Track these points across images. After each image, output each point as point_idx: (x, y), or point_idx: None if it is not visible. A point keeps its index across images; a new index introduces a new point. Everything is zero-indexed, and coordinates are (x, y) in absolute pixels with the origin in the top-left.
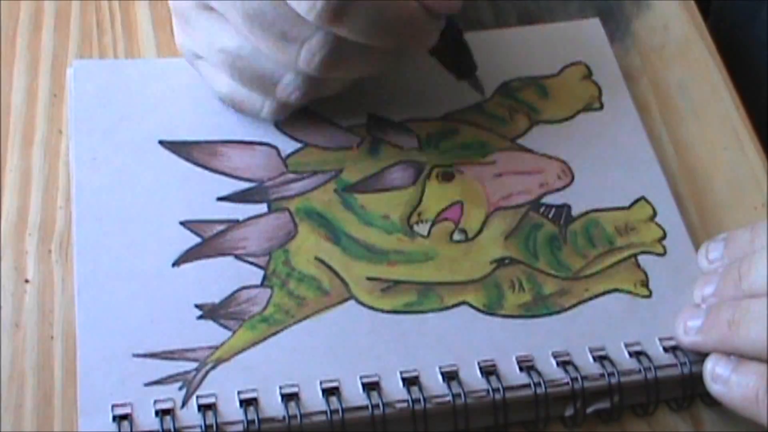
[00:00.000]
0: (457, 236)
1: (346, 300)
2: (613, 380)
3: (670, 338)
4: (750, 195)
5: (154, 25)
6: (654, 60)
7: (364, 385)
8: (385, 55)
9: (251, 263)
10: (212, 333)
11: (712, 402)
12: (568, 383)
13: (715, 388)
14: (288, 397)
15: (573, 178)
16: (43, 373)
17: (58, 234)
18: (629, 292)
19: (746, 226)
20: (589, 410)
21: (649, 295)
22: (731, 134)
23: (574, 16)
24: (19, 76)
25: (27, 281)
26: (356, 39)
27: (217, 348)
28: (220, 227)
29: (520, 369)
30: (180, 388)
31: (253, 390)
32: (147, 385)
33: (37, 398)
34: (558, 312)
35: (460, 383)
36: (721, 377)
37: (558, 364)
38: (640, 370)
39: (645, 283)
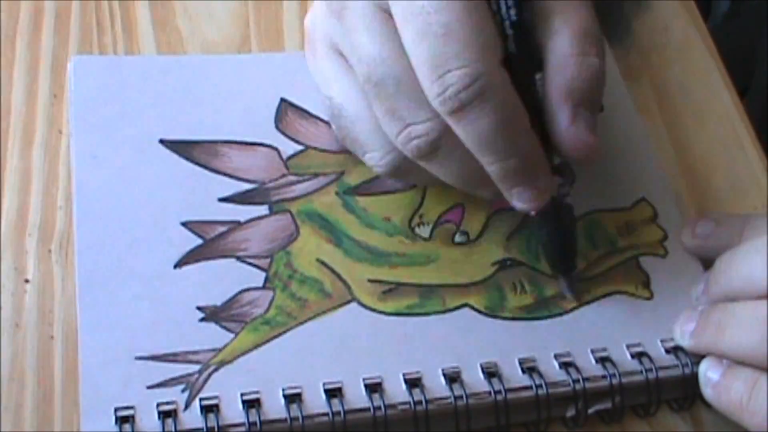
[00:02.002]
0: (458, 238)
1: (347, 302)
2: (615, 381)
3: (672, 339)
4: (750, 195)
5: (154, 25)
6: (654, 60)
7: (366, 386)
8: (477, 178)
9: (253, 265)
10: (214, 335)
11: None
12: (569, 384)
13: (707, 391)
14: (291, 399)
15: (574, 178)
16: (43, 373)
17: (58, 234)
18: (631, 294)
19: (741, 215)
20: (591, 411)
21: (651, 297)
22: (731, 134)
23: None
24: (19, 76)
25: (27, 281)
26: (467, 141)
27: (219, 350)
28: (222, 228)
29: (523, 371)
30: (183, 391)
31: (256, 392)
32: (149, 387)
33: (37, 398)
34: (560, 314)
35: (462, 385)
36: (712, 381)
37: (560, 366)
38: (641, 371)
39: (646, 285)
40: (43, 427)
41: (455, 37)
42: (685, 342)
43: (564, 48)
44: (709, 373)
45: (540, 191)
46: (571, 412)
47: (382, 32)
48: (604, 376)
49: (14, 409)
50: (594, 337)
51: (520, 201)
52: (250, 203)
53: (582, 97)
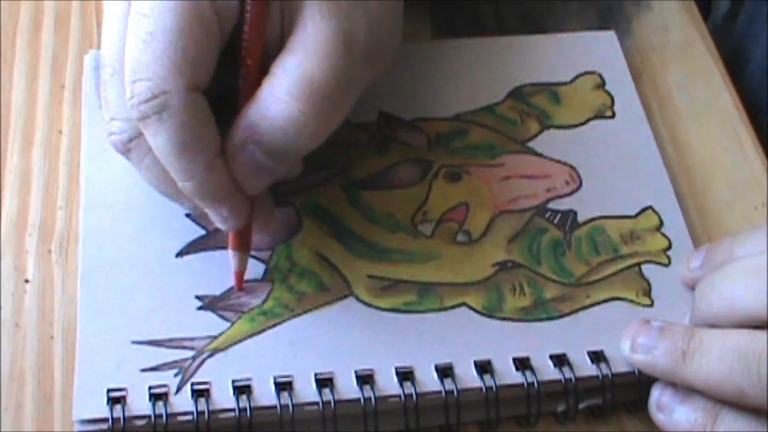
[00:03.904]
0: (460, 237)
1: (345, 297)
2: (605, 374)
3: None
4: (750, 195)
5: None
6: (654, 60)
7: (357, 377)
8: (171, 189)
9: (254, 257)
10: (211, 323)
11: None
12: (560, 379)
13: (659, 417)
14: (281, 387)
15: (581, 184)
16: (43, 373)
17: (58, 234)
18: (631, 301)
19: (730, 235)
20: (582, 406)
21: (651, 305)
22: (731, 134)
23: (574, 17)
24: (19, 76)
25: (27, 281)
26: (154, 150)
27: (214, 338)
28: None
29: (516, 368)
30: (175, 375)
31: (248, 378)
32: (143, 371)
33: (37, 398)
34: (557, 317)
35: (453, 379)
36: (668, 407)
37: (554, 364)
38: (633, 369)
39: (647, 293)
40: (43, 427)
41: (153, 48)
42: (638, 356)
43: (273, 87)
44: (663, 398)
45: (225, 217)
46: (561, 407)
47: (121, 19)
48: (595, 371)
49: (14, 409)
50: (590, 340)
51: (214, 220)
52: None
53: (261, 136)
